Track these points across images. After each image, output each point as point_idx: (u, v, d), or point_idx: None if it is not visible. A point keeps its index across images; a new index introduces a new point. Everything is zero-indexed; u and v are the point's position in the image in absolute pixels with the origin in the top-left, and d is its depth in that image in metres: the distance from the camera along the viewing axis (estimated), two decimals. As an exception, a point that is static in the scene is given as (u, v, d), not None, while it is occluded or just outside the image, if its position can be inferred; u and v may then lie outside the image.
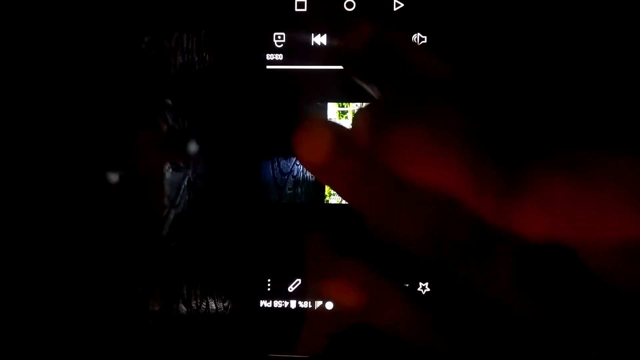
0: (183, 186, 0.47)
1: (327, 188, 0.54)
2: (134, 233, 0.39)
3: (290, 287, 0.54)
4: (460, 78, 0.12)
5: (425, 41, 0.42)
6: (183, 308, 0.46)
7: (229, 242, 0.53)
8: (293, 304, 0.52)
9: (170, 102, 0.44)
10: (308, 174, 0.52)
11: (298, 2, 0.45)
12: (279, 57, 0.47)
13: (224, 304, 0.51)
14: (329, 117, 0.54)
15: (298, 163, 0.52)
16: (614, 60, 0.38)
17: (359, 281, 0.11)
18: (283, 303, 0.52)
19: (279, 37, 0.47)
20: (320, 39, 0.45)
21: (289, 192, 0.52)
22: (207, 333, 0.51)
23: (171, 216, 0.45)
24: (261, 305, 0.52)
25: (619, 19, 0.38)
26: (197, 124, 0.50)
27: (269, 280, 0.53)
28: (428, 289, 0.45)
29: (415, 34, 0.42)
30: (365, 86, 0.13)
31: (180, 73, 0.46)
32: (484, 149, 0.09)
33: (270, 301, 0.53)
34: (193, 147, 0.49)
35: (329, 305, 0.52)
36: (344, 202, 0.55)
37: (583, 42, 0.41)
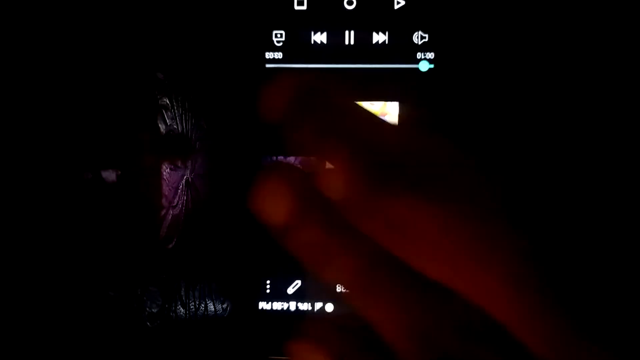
0: (181, 186, 0.47)
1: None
2: (132, 234, 0.39)
3: (290, 288, 0.53)
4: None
5: (426, 39, 0.42)
6: (181, 310, 0.46)
7: (228, 243, 0.53)
8: (293, 306, 0.51)
9: (168, 101, 0.44)
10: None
11: (298, 0, 0.44)
12: (279, 55, 0.47)
13: (223, 306, 0.51)
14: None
15: (298, 163, 0.51)
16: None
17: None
18: (282, 305, 0.51)
19: (279, 36, 0.46)
20: (320, 37, 0.45)
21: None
22: (207, 336, 0.50)
23: (169, 217, 0.45)
24: (260, 307, 0.52)
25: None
26: (196, 123, 0.49)
27: (268, 282, 0.52)
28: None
29: (417, 32, 0.42)
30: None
31: (179, 73, 0.46)
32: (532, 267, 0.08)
33: (270, 303, 0.52)
34: (192, 147, 0.48)
35: (329, 307, 0.51)
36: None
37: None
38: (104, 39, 0.35)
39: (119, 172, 0.37)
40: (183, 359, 0.47)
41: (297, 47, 0.46)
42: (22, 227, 0.30)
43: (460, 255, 0.08)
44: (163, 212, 0.44)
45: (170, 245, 0.46)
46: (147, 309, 0.41)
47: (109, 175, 0.37)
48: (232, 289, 0.51)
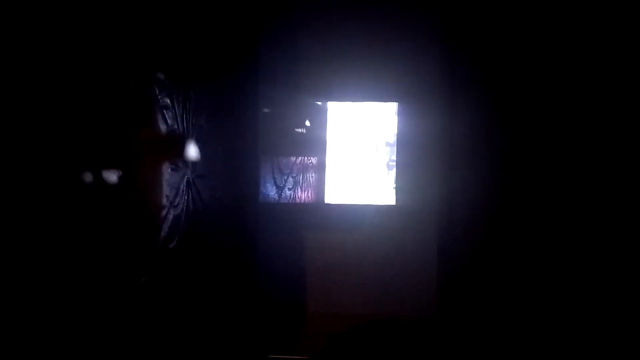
0: (182, 186, 0.47)
1: (326, 188, 0.54)
2: (133, 233, 0.39)
3: (290, 287, 0.54)
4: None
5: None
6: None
7: (228, 242, 0.53)
8: (294, 304, 0.52)
9: (169, 101, 0.44)
10: (308, 174, 0.52)
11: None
12: (278, 55, 0.47)
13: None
14: (329, 116, 0.53)
15: (298, 163, 0.52)
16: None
17: None
18: (284, 304, 0.52)
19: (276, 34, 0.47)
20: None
21: (288, 192, 0.51)
22: (210, 333, 0.51)
23: (170, 216, 0.45)
24: (261, 306, 0.52)
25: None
26: (196, 123, 0.49)
27: (268, 280, 0.53)
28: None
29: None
30: None
31: (179, 73, 0.46)
32: None
33: (271, 302, 0.52)
34: (192, 147, 0.48)
35: (329, 306, 0.52)
36: (343, 202, 0.55)
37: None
38: (106, 40, 0.35)
39: (121, 172, 0.37)
40: (188, 356, 0.48)
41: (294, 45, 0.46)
42: (25, 226, 0.30)
43: None
44: (164, 212, 0.44)
45: (172, 245, 0.46)
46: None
47: (111, 175, 0.37)
48: (233, 285, 0.51)
